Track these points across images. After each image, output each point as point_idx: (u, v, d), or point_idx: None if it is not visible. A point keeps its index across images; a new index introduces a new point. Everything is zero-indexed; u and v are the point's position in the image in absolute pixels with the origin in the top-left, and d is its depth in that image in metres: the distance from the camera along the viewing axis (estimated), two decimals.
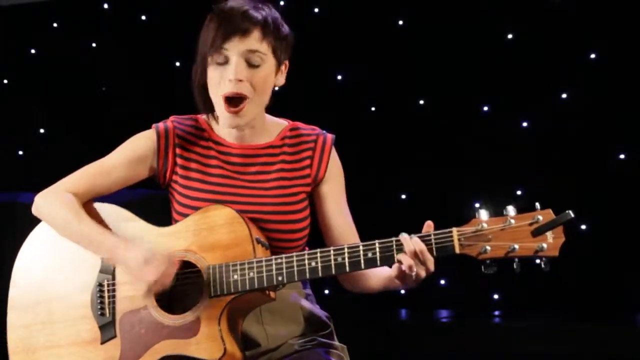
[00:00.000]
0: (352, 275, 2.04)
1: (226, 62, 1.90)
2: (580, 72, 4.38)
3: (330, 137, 2.10)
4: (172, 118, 2.09)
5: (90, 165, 2.07)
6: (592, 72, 4.36)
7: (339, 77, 4.92)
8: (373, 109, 4.86)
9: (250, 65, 1.91)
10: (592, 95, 4.34)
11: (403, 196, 4.74)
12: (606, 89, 4.31)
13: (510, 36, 4.55)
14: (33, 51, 5.61)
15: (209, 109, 2.00)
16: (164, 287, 1.88)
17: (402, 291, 4.75)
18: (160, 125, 2.07)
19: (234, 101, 1.92)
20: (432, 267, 1.78)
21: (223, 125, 1.98)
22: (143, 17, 5.42)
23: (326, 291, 4.54)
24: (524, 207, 1.77)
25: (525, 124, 4.52)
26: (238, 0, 1.96)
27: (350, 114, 4.83)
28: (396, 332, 4.42)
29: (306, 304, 2.07)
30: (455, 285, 4.62)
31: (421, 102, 4.76)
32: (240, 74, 1.89)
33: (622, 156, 4.33)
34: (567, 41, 4.38)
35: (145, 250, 1.87)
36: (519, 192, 4.40)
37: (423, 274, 1.79)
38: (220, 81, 1.91)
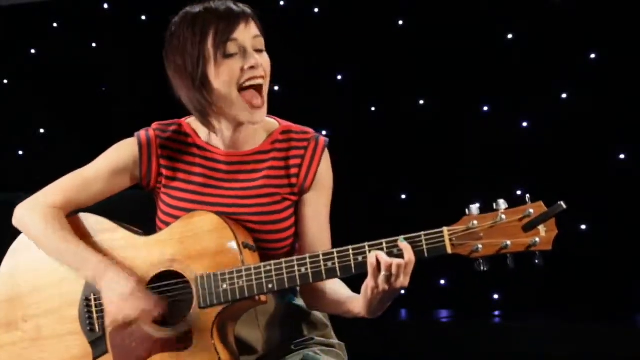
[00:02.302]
0: (314, 290, 1.98)
1: (237, 52, 1.87)
2: (580, 72, 4.38)
3: (322, 140, 2.00)
4: (154, 125, 2.03)
5: (70, 176, 2.02)
6: (592, 72, 4.36)
7: (339, 77, 4.92)
8: (373, 109, 4.86)
9: (257, 50, 1.90)
10: (592, 95, 4.34)
11: (403, 196, 4.74)
12: (606, 89, 4.31)
13: (510, 36, 4.55)
14: (33, 51, 5.61)
15: (210, 112, 1.93)
16: (143, 324, 1.86)
17: (402, 291, 4.75)
18: (142, 134, 2.00)
19: (254, 89, 1.89)
20: (406, 282, 1.73)
21: (245, 121, 1.91)
22: (143, 17, 5.42)
23: None
24: (515, 200, 1.75)
25: (525, 124, 4.52)
26: (205, 3, 1.93)
27: (350, 114, 4.83)
28: (396, 332, 4.42)
29: (303, 304, 2.04)
30: (455, 285, 4.62)
31: (421, 102, 4.76)
32: (257, 59, 1.87)
33: (622, 156, 4.32)
34: (567, 41, 4.38)
35: (128, 284, 1.84)
36: (519, 192, 4.39)
37: (397, 285, 1.73)
38: (235, 74, 1.86)
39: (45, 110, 5.54)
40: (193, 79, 1.88)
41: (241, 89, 1.88)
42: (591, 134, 4.33)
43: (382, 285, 1.73)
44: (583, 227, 4.35)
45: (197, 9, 1.91)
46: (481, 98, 4.61)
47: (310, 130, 2.02)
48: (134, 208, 2.09)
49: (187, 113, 2.05)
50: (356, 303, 1.84)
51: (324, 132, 4.84)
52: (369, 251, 1.74)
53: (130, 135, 2.06)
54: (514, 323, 4.33)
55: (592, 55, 4.37)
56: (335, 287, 1.96)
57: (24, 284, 2.01)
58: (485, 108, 4.62)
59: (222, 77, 1.87)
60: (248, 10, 1.92)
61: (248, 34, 1.88)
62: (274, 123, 2.02)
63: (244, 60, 1.86)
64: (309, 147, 1.98)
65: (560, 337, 4.07)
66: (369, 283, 1.75)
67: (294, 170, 1.97)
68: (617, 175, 4.30)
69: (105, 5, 5.47)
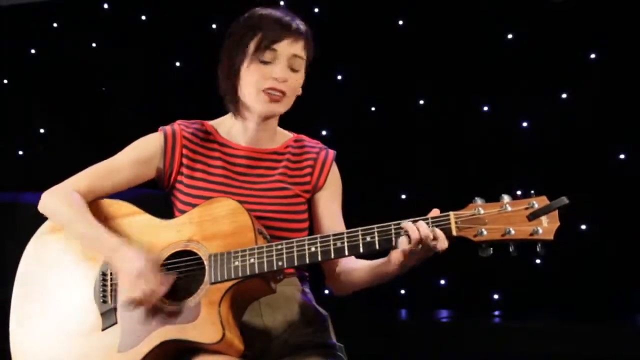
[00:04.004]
0: (341, 271, 2.10)
1: (271, 61, 2.02)
2: (580, 72, 4.38)
3: (332, 152, 2.18)
4: (178, 122, 2.15)
5: (96, 165, 2.12)
6: (592, 72, 4.36)
7: (339, 77, 4.92)
8: (373, 109, 4.87)
9: (291, 69, 2.04)
10: (592, 95, 4.34)
11: (403, 196, 4.74)
12: (606, 89, 4.31)
13: (510, 36, 4.55)
14: (33, 51, 5.61)
15: (238, 104, 2.08)
16: (150, 302, 1.91)
17: (402, 291, 4.75)
18: (168, 127, 2.13)
19: (274, 95, 2.03)
20: (442, 245, 1.79)
21: (258, 112, 2.05)
22: (143, 17, 5.42)
23: (326, 291, 4.54)
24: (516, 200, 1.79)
25: (525, 124, 4.52)
26: (280, 9, 2.10)
27: (350, 114, 4.84)
28: (396, 332, 4.42)
29: (304, 300, 2.10)
30: (455, 285, 4.62)
31: (421, 102, 4.76)
32: (285, 74, 2.02)
33: (622, 156, 4.33)
34: (567, 41, 4.38)
35: (139, 263, 1.90)
36: (519, 192, 4.38)
37: (430, 254, 1.83)
38: (261, 78, 2.02)
39: (45, 110, 5.54)
40: (230, 67, 2.05)
41: (266, 90, 2.03)
42: (591, 134, 4.33)
43: (418, 251, 1.82)
44: (583, 227, 4.35)
45: (265, 11, 2.08)
46: (481, 98, 4.61)
47: (320, 142, 2.21)
48: (148, 208, 2.13)
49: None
50: (389, 265, 1.91)
51: (323, 132, 4.85)
52: (378, 232, 1.84)
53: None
54: (514, 323, 4.33)
55: (592, 55, 4.38)
56: (360, 261, 2.07)
57: (45, 263, 2.09)
58: (485, 108, 4.62)
59: (250, 76, 2.03)
60: (302, 29, 2.07)
61: (289, 50, 2.03)
62: (288, 133, 2.19)
63: (273, 69, 2.02)
64: (320, 154, 2.15)
65: (560, 337, 4.07)
66: (405, 250, 1.82)
67: (307, 170, 2.13)
68: (617, 175, 4.30)
69: (105, 5, 5.48)
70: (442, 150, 4.64)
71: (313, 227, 2.14)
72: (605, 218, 4.29)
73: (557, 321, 4.27)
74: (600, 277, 4.29)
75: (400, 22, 4.79)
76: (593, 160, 4.34)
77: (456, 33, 4.59)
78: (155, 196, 2.30)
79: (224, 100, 2.11)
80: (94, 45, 5.48)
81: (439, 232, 1.80)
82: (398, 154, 4.72)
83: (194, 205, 2.02)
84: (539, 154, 4.43)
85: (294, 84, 2.05)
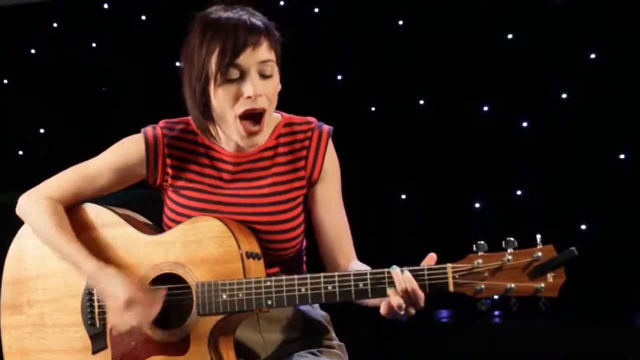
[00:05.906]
0: None
1: (240, 77, 1.80)
2: (580, 72, 4.38)
3: (326, 129, 1.97)
4: (161, 123, 2.00)
5: (76, 168, 2.01)
6: (592, 72, 4.36)
7: (339, 77, 4.92)
8: (373, 109, 4.86)
9: (263, 76, 1.83)
10: (592, 95, 4.34)
11: (403, 196, 4.74)
12: (606, 89, 4.31)
13: (510, 36, 4.55)
14: (33, 51, 5.61)
15: (210, 125, 1.91)
16: (142, 327, 1.86)
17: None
18: (149, 131, 1.97)
19: (253, 117, 1.83)
20: (422, 304, 1.70)
21: (241, 144, 1.88)
22: (143, 17, 5.42)
23: None
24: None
25: (525, 124, 4.52)
26: (225, 9, 1.86)
27: (350, 114, 4.83)
28: (396, 332, 4.42)
29: (304, 307, 2.03)
30: None
31: (421, 102, 4.76)
32: (259, 88, 1.81)
33: (622, 156, 4.32)
34: (567, 41, 4.38)
35: (125, 291, 1.82)
36: (518, 192, 4.40)
37: (412, 312, 1.71)
38: (234, 102, 1.81)
39: (45, 110, 5.54)
40: (195, 92, 1.85)
41: (239, 116, 1.83)
42: (591, 134, 4.33)
43: (400, 311, 1.72)
44: (583, 227, 4.35)
45: (214, 14, 1.84)
46: (481, 98, 4.61)
47: (313, 119, 2.00)
48: (145, 208, 2.09)
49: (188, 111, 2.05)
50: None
51: None
52: (371, 279, 1.72)
53: (130, 135, 2.04)
54: (514, 323, 4.33)
55: (592, 55, 4.37)
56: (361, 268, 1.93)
57: (30, 269, 2.02)
58: (485, 108, 4.62)
59: (219, 98, 1.82)
60: (262, 27, 1.82)
61: (254, 58, 1.80)
62: (276, 116, 1.99)
63: (243, 87, 1.80)
64: (313, 137, 1.96)
65: (560, 337, 4.07)
66: (385, 311, 1.75)
67: (301, 163, 1.95)
68: (617, 175, 4.30)
69: (105, 5, 5.48)
70: (442, 150, 4.64)
71: (312, 222, 1.99)
72: (605, 218, 4.29)
73: (557, 321, 4.27)
74: (600, 277, 4.29)
75: (400, 22, 4.79)
76: (593, 160, 4.34)
77: (456, 33, 4.58)
78: (150, 196, 2.20)
79: (193, 119, 1.92)
80: (94, 45, 5.48)
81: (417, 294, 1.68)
82: (398, 154, 4.72)
83: (182, 215, 1.92)
84: (539, 154, 4.43)
85: (271, 90, 1.83)
